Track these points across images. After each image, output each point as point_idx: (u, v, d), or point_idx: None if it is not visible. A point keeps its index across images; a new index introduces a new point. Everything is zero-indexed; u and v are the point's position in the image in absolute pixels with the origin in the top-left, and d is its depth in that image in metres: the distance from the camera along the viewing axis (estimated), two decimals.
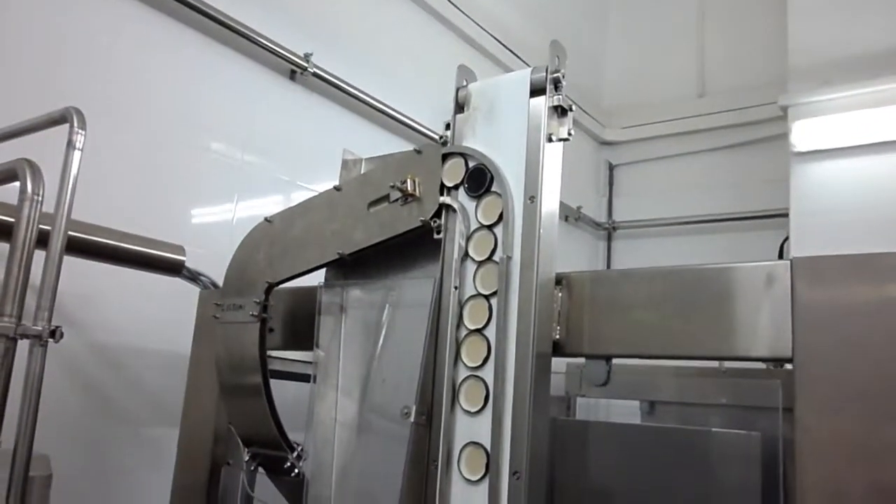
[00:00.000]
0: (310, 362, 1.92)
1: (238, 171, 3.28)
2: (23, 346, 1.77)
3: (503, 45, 4.91)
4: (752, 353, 1.34)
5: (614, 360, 1.53)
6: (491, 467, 1.40)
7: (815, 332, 1.28)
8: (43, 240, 1.84)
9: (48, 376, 1.77)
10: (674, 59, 6.26)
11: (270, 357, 2.01)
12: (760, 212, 5.37)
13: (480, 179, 1.57)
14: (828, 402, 1.25)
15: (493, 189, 1.56)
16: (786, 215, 4.54)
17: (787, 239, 4.56)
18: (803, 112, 4.46)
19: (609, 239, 6.27)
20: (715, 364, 3.45)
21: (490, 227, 1.54)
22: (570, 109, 1.56)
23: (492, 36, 4.85)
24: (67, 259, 1.83)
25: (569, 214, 5.65)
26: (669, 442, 2.50)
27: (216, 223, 3.20)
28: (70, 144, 1.77)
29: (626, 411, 4.04)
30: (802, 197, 4.39)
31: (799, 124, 4.47)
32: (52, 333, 1.69)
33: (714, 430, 2.39)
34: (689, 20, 6.25)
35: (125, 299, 2.75)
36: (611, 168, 6.41)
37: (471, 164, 1.60)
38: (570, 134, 1.55)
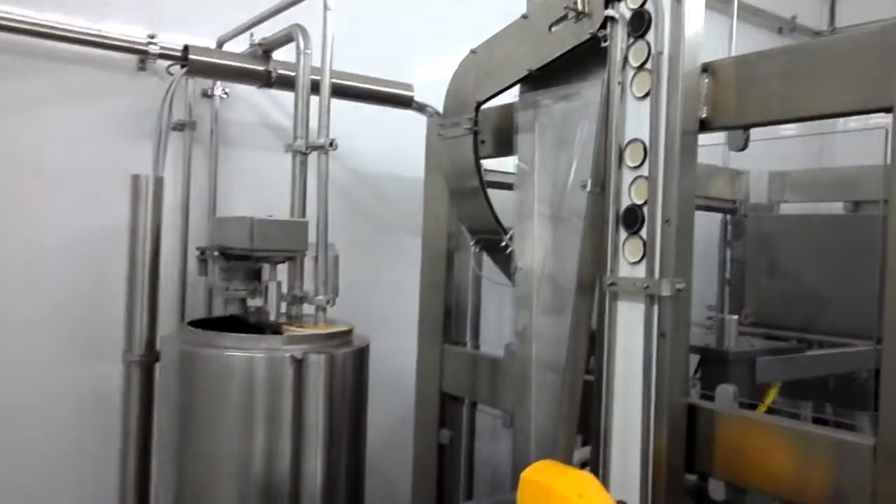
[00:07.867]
0: (513, 173, 2.41)
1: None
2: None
3: None
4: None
5: None
6: (647, 218, 1.81)
7: None
8: (313, 87, 2.49)
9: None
10: None
11: (485, 169, 2.52)
12: None
13: None
14: None
15: None
16: None
17: None
18: None
19: None
20: None
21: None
22: None
23: None
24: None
25: (782, 26, 5.11)
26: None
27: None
28: (325, 6, 2.35)
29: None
30: None
31: None
32: (331, 144, 2.37)
33: None
34: None
35: (371, 133, 3.41)
36: None
37: None
38: None
